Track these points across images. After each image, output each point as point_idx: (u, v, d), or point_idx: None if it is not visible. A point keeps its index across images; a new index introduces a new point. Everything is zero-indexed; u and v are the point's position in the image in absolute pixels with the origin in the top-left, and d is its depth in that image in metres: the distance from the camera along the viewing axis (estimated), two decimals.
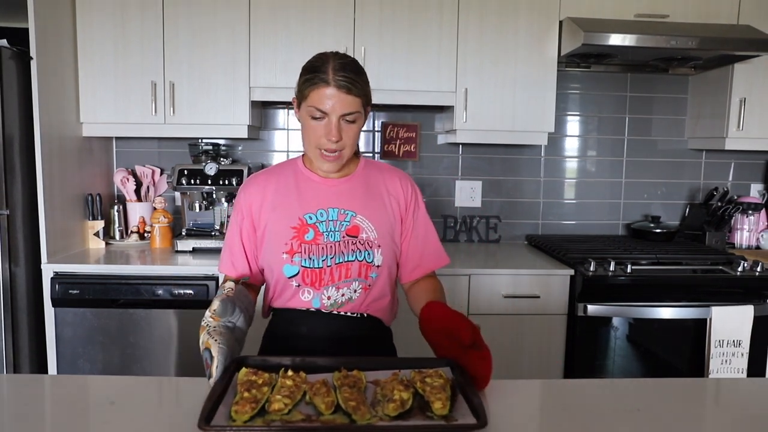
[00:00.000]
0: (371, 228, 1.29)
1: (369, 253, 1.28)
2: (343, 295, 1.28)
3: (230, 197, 2.58)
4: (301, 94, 1.25)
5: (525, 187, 2.93)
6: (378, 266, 1.29)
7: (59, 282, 2.16)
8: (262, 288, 1.41)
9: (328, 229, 1.28)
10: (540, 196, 2.94)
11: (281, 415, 0.91)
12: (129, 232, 2.66)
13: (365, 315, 1.31)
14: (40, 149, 2.15)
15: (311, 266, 1.26)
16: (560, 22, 2.46)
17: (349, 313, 1.30)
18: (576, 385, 1.23)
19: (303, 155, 1.38)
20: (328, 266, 1.26)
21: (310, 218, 1.29)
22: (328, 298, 1.28)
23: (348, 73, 1.21)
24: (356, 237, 1.28)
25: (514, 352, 2.29)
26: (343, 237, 1.28)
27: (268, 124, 2.84)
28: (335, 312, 1.29)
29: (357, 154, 1.38)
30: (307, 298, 1.29)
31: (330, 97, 1.20)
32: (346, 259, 1.27)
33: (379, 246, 1.28)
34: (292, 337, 1.32)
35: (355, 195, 1.31)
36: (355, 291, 1.29)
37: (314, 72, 1.22)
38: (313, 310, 1.29)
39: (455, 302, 2.25)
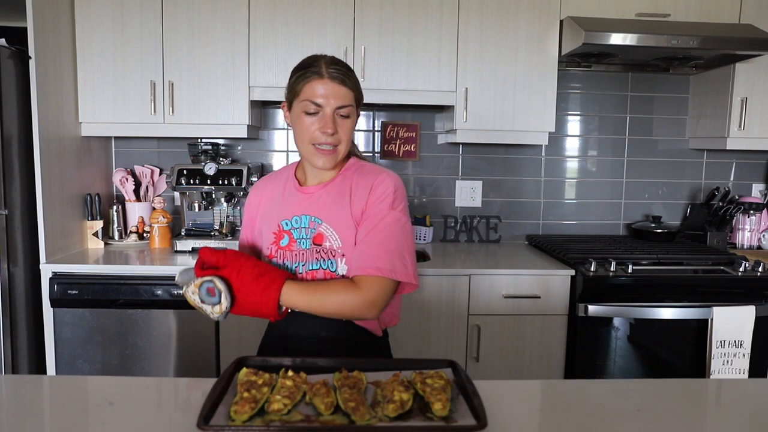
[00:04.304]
0: (335, 237, 1.25)
1: (332, 262, 1.25)
2: None
3: (230, 197, 2.58)
4: (293, 91, 1.26)
5: (525, 187, 2.92)
6: (342, 275, 1.25)
7: (58, 282, 2.15)
8: None
9: (301, 237, 1.28)
10: (540, 196, 2.93)
11: (280, 415, 0.90)
12: (128, 232, 2.66)
13: (342, 320, 1.28)
14: (38, 149, 2.15)
15: None
16: (561, 22, 2.46)
17: None
18: (577, 385, 1.22)
19: (298, 162, 1.38)
20: (300, 273, 1.26)
21: (287, 224, 1.30)
22: None
23: (340, 66, 1.24)
24: (320, 245, 1.26)
25: (515, 353, 2.28)
26: (312, 245, 1.27)
27: (268, 124, 2.83)
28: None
29: (352, 155, 1.37)
30: None
31: (324, 89, 1.22)
32: (312, 267, 1.26)
33: (343, 255, 1.24)
34: (275, 335, 1.34)
35: (325, 203, 1.29)
36: None
37: (306, 68, 1.24)
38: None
39: (455, 302, 2.25)
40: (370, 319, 1.23)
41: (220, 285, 1.12)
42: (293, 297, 1.16)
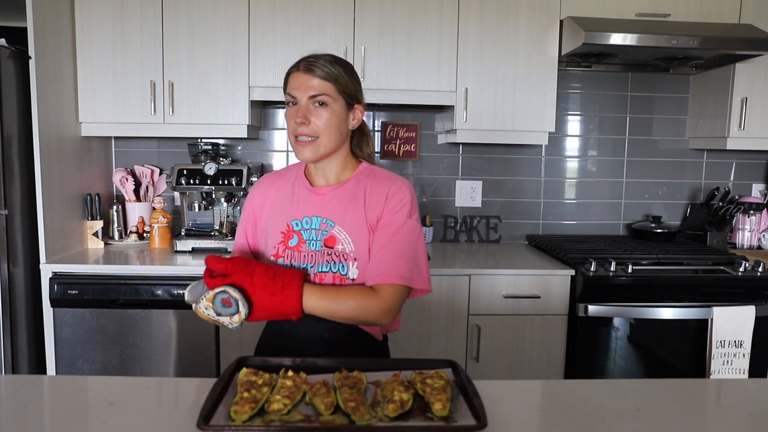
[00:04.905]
0: (348, 240, 1.26)
1: (343, 266, 1.25)
2: None
3: (230, 197, 2.58)
4: (284, 90, 1.30)
5: (525, 187, 2.92)
6: (353, 279, 1.25)
7: (58, 282, 2.15)
8: None
9: (311, 238, 1.28)
10: (540, 196, 2.93)
11: (280, 415, 0.90)
12: (128, 232, 2.65)
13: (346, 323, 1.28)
14: (38, 149, 2.15)
15: None
16: (561, 22, 2.46)
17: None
18: (577, 385, 1.22)
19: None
20: (307, 274, 1.26)
21: (296, 225, 1.30)
22: None
23: (318, 59, 1.25)
24: (332, 248, 1.26)
25: (515, 353, 2.28)
26: (323, 247, 1.27)
27: (268, 124, 2.83)
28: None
29: (358, 158, 1.37)
30: None
31: (297, 81, 1.25)
32: (321, 269, 1.26)
33: (355, 259, 1.25)
34: (276, 335, 1.34)
35: (338, 205, 1.29)
36: None
37: (292, 65, 1.29)
38: None
39: (455, 302, 2.25)
40: (384, 325, 1.24)
41: (234, 293, 1.10)
42: (312, 300, 1.16)
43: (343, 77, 1.26)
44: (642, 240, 2.78)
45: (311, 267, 1.26)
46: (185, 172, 2.48)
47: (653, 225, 2.81)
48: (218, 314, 1.11)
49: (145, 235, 2.65)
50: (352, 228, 1.26)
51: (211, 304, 1.11)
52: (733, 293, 2.26)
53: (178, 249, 2.47)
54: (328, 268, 1.26)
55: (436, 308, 2.25)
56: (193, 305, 1.14)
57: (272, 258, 1.30)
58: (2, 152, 2.08)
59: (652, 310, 2.22)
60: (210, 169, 2.47)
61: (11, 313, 2.16)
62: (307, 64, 1.25)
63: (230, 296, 1.10)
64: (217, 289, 1.11)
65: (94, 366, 2.20)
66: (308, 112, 1.24)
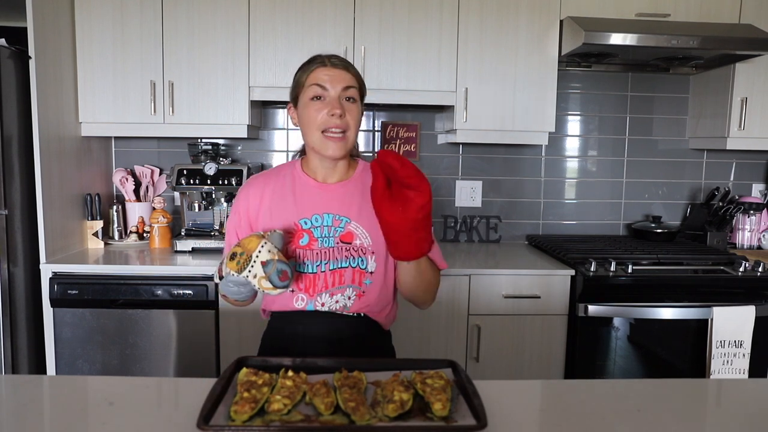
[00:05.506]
0: (365, 235, 1.27)
1: (363, 260, 1.27)
2: (337, 302, 1.27)
3: (230, 197, 2.58)
4: (299, 84, 1.30)
5: (525, 187, 2.92)
6: (372, 273, 1.28)
7: (58, 282, 2.15)
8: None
9: (323, 235, 1.28)
10: (540, 196, 2.93)
11: (280, 415, 0.90)
12: (128, 232, 2.66)
13: (361, 314, 1.30)
14: (38, 149, 2.15)
15: (305, 271, 1.27)
16: (561, 22, 2.46)
17: (344, 312, 1.29)
18: (577, 385, 1.22)
19: (301, 159, 1.38)
20: (322, 272, 1.26)
21: (306, 223, 1.29)
22: (322, 305, 1.27)
23: (341, 58, 1.30)
24: (350, 243, 1.27)
25: (515, 353, 2.28)
26: (337, 243, 1.27)
27: (268, 124, 2.83)
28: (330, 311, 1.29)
29: (355, 156, 1.39)
30: (300, 305, 1.28)
31: (328, 74, 1.26)
32: (339, 266, 1.26)
33: (373, 253, 1.27)
34: (288, 337, 1.32)
35: (351, 201, 1.29)
36: (349, 298, 1.28)
37: (309, 63, 1.30)
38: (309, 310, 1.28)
39: (455, 302, 2.25)
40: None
41: (291, 280, 1.13)
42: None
43: (362, 79, 1.32)
44: (642, 240, 2.78)
45: (325, 264, 1.26)
46: (185, 172, 2.48)
47: (653, 225, 2.81)
48: (264, 273, 1.09)
49: (145, 235, 2.65)
50: (367, 222, 1.27)
51: (276, 259, 1.10)
52: (733, 293, 2.26)
53: (178, 249, 2.47)
54: (348, 263, 1.26)
55: (436, 308, 2.25)
56: (259, 245, 1.11)
57: None
58: (2, 152, 2.08)
59: (652, 310, 2.22)
60: (210, 169, 2.47)
61: (11, 313, 2.16)
62: (337, 61, 1.28)
63: (290, 279, 1.12)
64: (291, 262, 1.13)
65: (94, 366, 2.20)
66: (342, 105, 1.25)
